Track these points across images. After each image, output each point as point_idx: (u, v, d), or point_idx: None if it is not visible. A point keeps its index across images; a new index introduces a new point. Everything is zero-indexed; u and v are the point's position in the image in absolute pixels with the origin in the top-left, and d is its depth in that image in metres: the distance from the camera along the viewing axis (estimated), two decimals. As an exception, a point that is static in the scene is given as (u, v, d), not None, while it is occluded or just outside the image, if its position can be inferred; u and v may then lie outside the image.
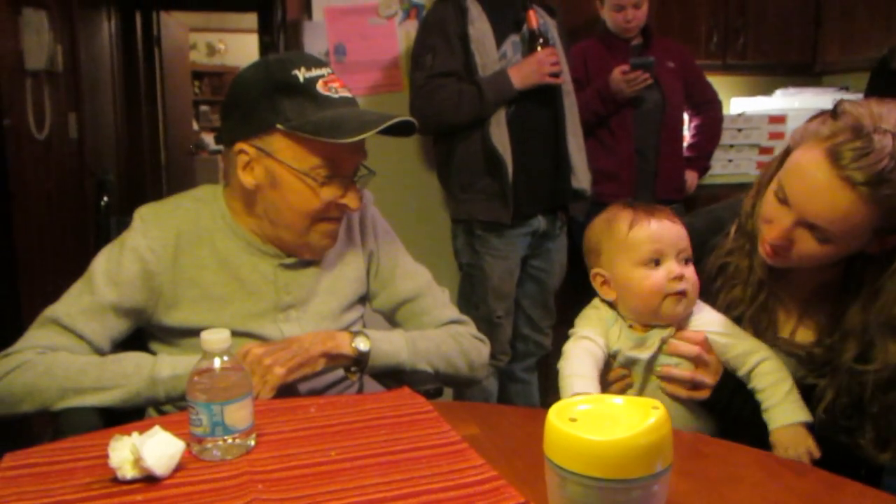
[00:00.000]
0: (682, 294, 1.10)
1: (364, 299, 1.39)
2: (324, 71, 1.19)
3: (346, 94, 1.20)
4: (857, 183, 0.95)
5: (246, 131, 1.18)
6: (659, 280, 1.10)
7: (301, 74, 1.16)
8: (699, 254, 1.20)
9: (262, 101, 1.16)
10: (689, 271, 1.12)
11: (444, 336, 1.33)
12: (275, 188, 1.19)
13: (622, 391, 1.15)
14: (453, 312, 1.39)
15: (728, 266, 1.19)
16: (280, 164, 1.17)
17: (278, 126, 1.15)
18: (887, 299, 1.06)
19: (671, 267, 1.10)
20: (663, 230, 1.12)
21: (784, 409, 1.07)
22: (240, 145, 1.19)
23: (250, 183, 1.20)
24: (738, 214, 1.20)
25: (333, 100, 1.17)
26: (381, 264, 1.37)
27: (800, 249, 1.05)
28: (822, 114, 1.05)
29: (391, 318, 1.40)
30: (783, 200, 1.05)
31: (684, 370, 1.13)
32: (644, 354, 1.13)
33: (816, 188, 0.99)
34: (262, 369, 1.12)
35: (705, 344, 1.13)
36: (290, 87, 1.15)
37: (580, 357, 1.12)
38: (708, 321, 1.15)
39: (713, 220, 1.26)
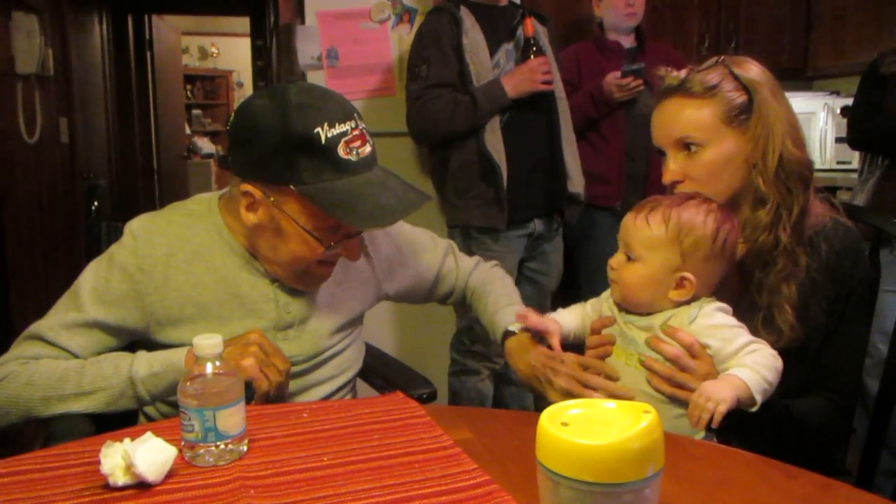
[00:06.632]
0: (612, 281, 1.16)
1: (361, 318, 1.38)
2: (347, 126, 1.11)
3: (367, 151, 1.14)
4: (677, 87, 1.21)
5: (256, 175, 1.13)
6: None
7: (324, 134, 1.08)
8: None
9: (279, 154, 1.09)
10: (617, 262, 1.14)
11: (495, 279, 1.53)
12: (277, 235, 1.16)
13: (600, 357, 1.15)
14: (471, 261, 1.58)
15: None
16: (286, 217, 1.13)
17: (292, 187, 1.10)
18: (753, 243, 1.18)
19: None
20: (624, 223, 1.16)
21: None
22: (247, 186, 1.14)
23: (251, 221, 1.16)
24: None
25: (353, 164, 1.11)
26: (395, 269, 1.42)
27: (693, 173, 1.19)
28: None
29: (426, 296, 1.52)
30: (664, 155, 1.23)
31: (665, 367, 1.08)
32: (630, 333, 1.12)
33: (665, 114, 1.23)
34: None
35: (694, 347, 1.08)
36: (311, 146, 1.08)
37: (570, 308, 1.28)
38: (707, 324, 1.10)
39: None
